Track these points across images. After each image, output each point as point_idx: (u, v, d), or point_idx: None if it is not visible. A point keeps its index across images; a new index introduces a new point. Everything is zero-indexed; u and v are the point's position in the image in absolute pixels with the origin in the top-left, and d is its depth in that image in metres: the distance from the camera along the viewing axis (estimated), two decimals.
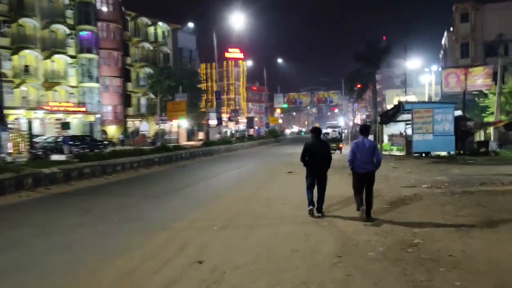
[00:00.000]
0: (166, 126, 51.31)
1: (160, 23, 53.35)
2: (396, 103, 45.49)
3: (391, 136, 24.06)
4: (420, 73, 60.32)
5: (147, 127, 47.46)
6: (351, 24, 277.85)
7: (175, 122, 54.78)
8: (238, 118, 77.10)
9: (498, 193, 8.72)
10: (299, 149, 25.96)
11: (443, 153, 20.74)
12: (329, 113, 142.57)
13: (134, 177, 14.06)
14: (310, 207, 7.25)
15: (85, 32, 42.62)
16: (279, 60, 63.99)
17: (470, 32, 41.39)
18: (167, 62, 55.09)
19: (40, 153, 20.14)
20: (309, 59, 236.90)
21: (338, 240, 5.74)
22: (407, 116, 22.73)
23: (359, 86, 53.38)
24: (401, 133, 23.54)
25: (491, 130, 23.87)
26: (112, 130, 47.15)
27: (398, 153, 23.78)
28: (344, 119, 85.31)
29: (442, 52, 52.70)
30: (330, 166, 7.49)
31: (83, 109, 41.28)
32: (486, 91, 24.84)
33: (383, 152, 22.96)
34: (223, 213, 7.61)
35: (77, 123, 42.39)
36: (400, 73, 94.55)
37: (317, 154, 7.28)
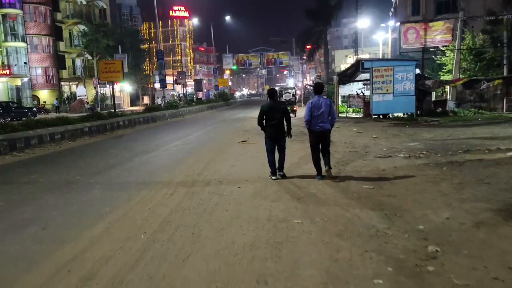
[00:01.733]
0: (106, 90, 47.37)
1: None
2: (347, 63, 44.43)
3: (348, 97, 22.70)
4: (372, 32, 59.61)
5: (85, 92, 43.26)
6: None
7: (117, 86, 50.83)
8: (186, 80, 73.31)
9: (492, 164, 7.33)
10: (251, 113, 23.86)
11: (400, 114, 19.78)
12: (278, 75, 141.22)
13: (52, 153, 11.45)
14: (272, 177, 7.19)
15: None
16: (227, 18, 60.00)
17: None
18: (103, 19, 50.00)
19: None
20: (259, 17, 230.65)
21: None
22: (364, 76, 21.41)
23: (309, 46, 51.83)
24: (357, 94, 22.24)
25: (447, 88, 23.20)
26: (45, 96, 42.61)
27: (355, 115, 22.59)
28: (294, 80, 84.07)
29: (392, 10, 51.84)
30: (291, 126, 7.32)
31: (7, 71, 36.36)
32: (443, 48, 23.93)
33: (340, 115, 21.63)
34: (154, 212, 5.55)
35: (1, 88, 37.53)
36: (349, 33, 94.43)
37: (275, 116, 7.13)
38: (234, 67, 77.83)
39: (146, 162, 9.84)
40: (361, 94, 22.02)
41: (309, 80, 75.09)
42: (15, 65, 37.95)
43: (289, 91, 25.14)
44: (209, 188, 6.76)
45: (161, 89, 31.02)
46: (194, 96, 58.10)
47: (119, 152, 11.78)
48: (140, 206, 5.83)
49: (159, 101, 39.04)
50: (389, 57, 32.32)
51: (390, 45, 32.32)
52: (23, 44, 38.77)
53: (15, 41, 38.26)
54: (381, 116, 19.42)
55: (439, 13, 32.73)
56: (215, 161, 9.50)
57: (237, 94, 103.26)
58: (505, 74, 23.23)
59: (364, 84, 21.85)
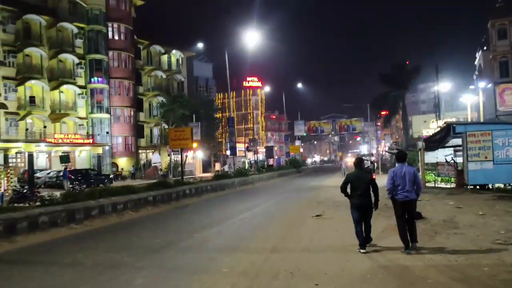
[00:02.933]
0: (179, 157, 48.57)
1: (173, 51, 51.50)
2: (430, 128, 41.43)
3: (436, 165, 20.17)
4: (453, 97, 56.23)
5: (159, 159, 44.76)
6: (375, 47, 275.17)
7: (190, 153, 52.21)
8: (257, 148, 73.94)
9: None
10: (324, 182, 22.16)
11: (500, 185, 16.83)
12: (351, 142, 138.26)
13: (110, 226, 10.66)
14: (361, 250, 6.74)
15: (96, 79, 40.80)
16: (299, 85, 60.36)
17: (509, 50, 37.64)
18: (181, 91, 52.96)
19: (27, 191, 17.08)
20: (331, 84, 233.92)
21: None
22: (454, 141, 19.01)
23: (384, 112, 49.80)
24: (447, 161, 19.68)
25: None
26: (123, 163, 44.62)
27: (444, 185, 19.86)
28: (368, 147, 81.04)
29: (476, 73, 48.70)
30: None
31: (90, 140, 38.83)
32: None
33: (427, 184, 19.13)
34: None
35: (85, 156, 40.00)
36: (427, 98, 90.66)
37: (361, 186, 6.88)
38: (304, 134, 77.45)
39: (206, 239, 8.56)
40: (452, 161, 19.45)
41: (385, 146, 71.75)
42: (98, 134, 40.53)
43: (366, 158, 23.22)
44: (277, 284, 5.19)
45: (231, 156, 30.64)
46: (265, 163, 57.74)
47: (180, 225, 10.70)
48: None
49: (226, 168, 38.81)
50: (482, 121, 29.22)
51: (482, 108, 29.40)
52: (107, 115, 41.63)
53: (100, 112, 41.23)
54: (478, 187, 16.67)
55: None
56: (285, 242, 7.94)
57: (309, 160, 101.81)
58: None
59: (455, 151, 19.32)
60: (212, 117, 55.49)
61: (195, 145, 45.94)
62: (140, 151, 47.70)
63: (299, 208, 13.47)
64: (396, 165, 7.02)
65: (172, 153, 43.19)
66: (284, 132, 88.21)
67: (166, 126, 47.17)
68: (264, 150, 64.79)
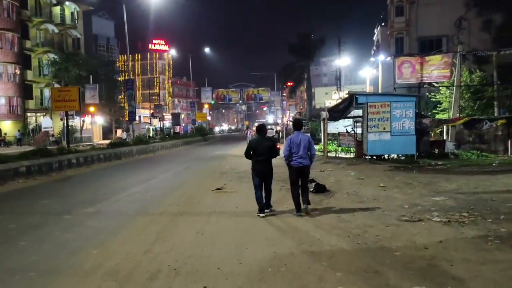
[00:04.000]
0: (76, 122, 44.28)
1: (67, 3, 45.79)
2: (332, 99, 42.85)
3: (338, 135, 20.45)
4: (353, 71, 59.05)
5: (51, 124, 40.09)
6: (284, 18, 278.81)
7: (88, 118, 47.67)
8: (164, 114, 70.72)
9: None
10: (230, 150, 21.17)
11: (394, 155, 17.56)
12: (258, 111, 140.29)
13: None
14: (260, 214, 6.99)
15: None
16: (206, 49, 57.66)
17: (405, 27, 40.03)
18: (77, 49, 47.61)
19: None
20: (243, 54, 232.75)
21: None
22: (355, 112, 19.34)
23: (290, 83, 50.53)
24: (347, 132, 20.04)
25: (443, 128, 21.30)
26: (7, 127, 39.22)
27: (344, 155, 20.30)
28: (274, 117, 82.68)
29: (374, 48, 51.37)
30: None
31: None
32: (436, 84, 22.22)
33: (329, 154, 19.30)
34: None
35: None
36: (328, 72, 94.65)
37: (262, 152, 7.07)
38: (212, 102, 76.03)
39: (75, 224, 6.98)
40: (352, 132, 19.84)
41: (289, 116, 73.72)
42: None
43: (271, 127, 22.81)
44: (155, 287, 4.01)
45: (130, 122, 28.13)
46: (172, 131, 55.43)
47: (49, 205, 8.85)
48: None
49: (124, 135, 36.13)
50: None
51: (381, 80, 30.58)
52: None
53: None
54: (374, 157, 17.15)
55: (423, 52, 31.69)
56: (176, 225, 6.74)
57: (217, 129, 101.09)
58: (496, 114, 21.64)
59: (355, 121, 19.69)
60: (113, 80, 51.24)
61: (92, 109, 42.11)
62: (28, 114, 42.37)
63: (199, 180, 12.34)
64: (294, 133, 7.33)
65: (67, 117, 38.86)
66: (191, 99, 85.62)
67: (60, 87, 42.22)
68: (171, 117, 62.14)
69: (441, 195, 8.51)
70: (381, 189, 9.59)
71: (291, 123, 47.73)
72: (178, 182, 12.19)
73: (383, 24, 45.91)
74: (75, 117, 43.39)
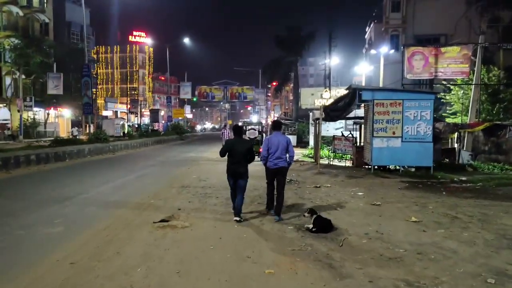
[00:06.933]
0: (40, 115, 40.04)
1: None
2: (323, 98, 39.53)
3: (333, 139, 17.02)
4: (343, 69, 55.93)
5: (8, 116, 35.67)
6: (272, 14, 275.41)
7: (52, 111, 43.31)
8: (143, 110, 66.38)
9: None
10: (205, 153, 15.14)
11: (398, 167, 14.24)
12: (242, 111, 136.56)
13: None
14: (235, 218, 6.61)
15: None
16: (186, 40, 52.45)
17: (401, 23, 37.07)
18: (45, 35, 43.24)
19: None
20: (225, 51, 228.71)
21: None
22: (357, 111, 16.00)
23: (276, 83, 47.32)
24: (345, 136, 16.65)
25: (454, 135, 18.12)
26: None
27: (338, 163, 16.94)
28: (258, 117, 79.22)
29: (366, 46, 48.32)
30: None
31: None
32: (445, 82, 18.98)
33: (321, 161, 15.88)
34: None
35: None
36: (315, 72, 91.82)
37: (237, 155, 6.64)
38: (194, 99, 72.06)
39: None
40: (350, 136, 16.45)
41: (274, 117, 70.29)
42: None
43: (255, 127, 19.27)
44: None
45: (86, 115, 24.04)
46: (150, 128, 51.47)
47: None
48: None
49: (74, 131, 32.22)
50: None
51: (382, 75, 27.05)
52: None
53: None
54: (376, 168, 13.78)
55: None
56: None
57: (199, 127, 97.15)
58: None
59: (355, 123, 16.33)
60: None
61: (54, 100, 37.86)
62: None
63: (144, 200, 8.55)
64: (272, 133, 7.12)
65: (23, 108, 34.52)
66: (173, 95, 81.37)
67: (24, 76, 37.83)
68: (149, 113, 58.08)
69: (500, 239, 5.11)
70: (416, 228, 6.15)
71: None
72: (110, 204, 8.28)
73: (376, 21, 42.99)
74: (38, 109, 39.16)
